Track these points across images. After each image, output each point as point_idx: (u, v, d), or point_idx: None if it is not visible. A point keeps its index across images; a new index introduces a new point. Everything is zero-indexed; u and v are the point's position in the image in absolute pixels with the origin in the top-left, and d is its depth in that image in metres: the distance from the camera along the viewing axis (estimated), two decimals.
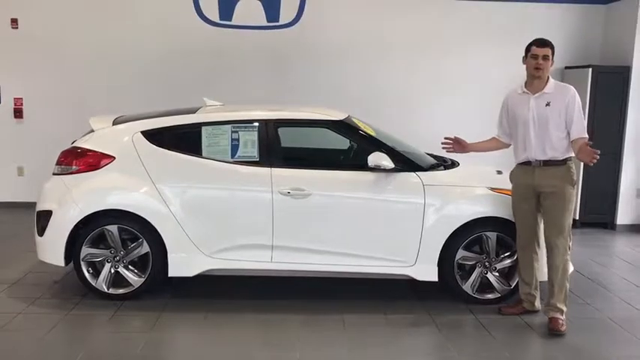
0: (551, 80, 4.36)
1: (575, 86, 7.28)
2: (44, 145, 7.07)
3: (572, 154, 4.33)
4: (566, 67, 7.74)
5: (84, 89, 7.57)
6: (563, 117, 4.25)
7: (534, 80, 4.33)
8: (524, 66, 4.39)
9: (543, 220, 4.40)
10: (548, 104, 4.27)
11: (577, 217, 7.45)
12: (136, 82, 7.59)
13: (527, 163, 4.39)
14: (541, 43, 4.32)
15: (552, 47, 4.33)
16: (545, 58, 4.26)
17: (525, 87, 4.40)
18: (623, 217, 7.47)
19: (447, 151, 4.80)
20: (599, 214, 7.52)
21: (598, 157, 4.08)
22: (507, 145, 4.63)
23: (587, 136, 4.26)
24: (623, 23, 7.42)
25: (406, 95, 7.81)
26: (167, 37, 7.58)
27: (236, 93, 7.35)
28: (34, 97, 7.61)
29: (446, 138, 4.75)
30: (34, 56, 7.53)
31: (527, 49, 4.36)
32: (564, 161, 4.30)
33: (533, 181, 4.34)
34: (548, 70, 4.30)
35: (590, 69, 7.25)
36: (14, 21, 7.46)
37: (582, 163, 7.28)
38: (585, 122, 4.33)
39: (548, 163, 4.30)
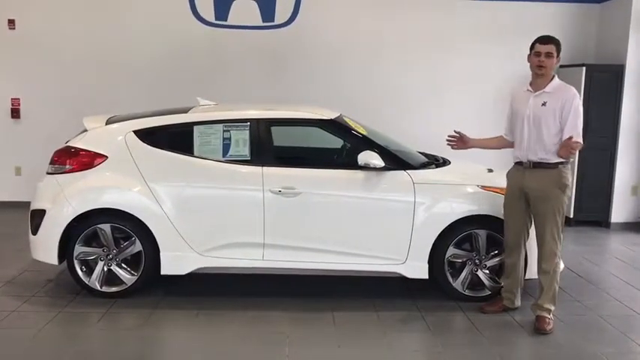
0: (556, 80, 4.27)
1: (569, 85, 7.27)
2: (41, 145, 7.09)
3: (567, 159, 4.26)
4: (561, 66, 7.71)
5: (81, 89, 7.60)
6: (557, 118, 4.17)
7: (537, 78, 4.28)
8: (529, 63, 4.32)
9: (534, 223, 4.39)
10: (544, 104, 4.22)
11: (571, 216, 7.48)
12: (132, 82, 7.63)
13: (520, 164, 4.37)
14: (545, 40, 4.25)
15: (557, 44, 4.23)
16: (548, 55, 4.19)
17: (530, 85, 4.35)
18: (617, 215, 7.49)
19: (452, 148, 4.74)
20: (593, 212, 7.54)
21: (574, 151, 4.09)
22: (512, 144, 4.55)
23: (579, 140, 4.13)
24: (616, 22, 7.44)
25: (403, 94, 7.83)
26: (163, 38, 7.62)
27: (232, 93, 7.39)
28: (31, 98, 7.65)
29: (450, 136, 4.71)
30: (31, 57, 7.57)
31: (532, 47, 4.29)
32: (556, 165, 4.22)
33: (523, 183, 4.32)
34: (551, 67, 4.22)
35: (584, 67, 7.26)
36: (11, 22, 7.50)
37: (576, 165, 7.35)
38: (579, 126, 4.15)
39: (538, 166, 4.25)
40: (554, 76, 4.29)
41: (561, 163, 4.24)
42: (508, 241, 4.50)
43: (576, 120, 4.16)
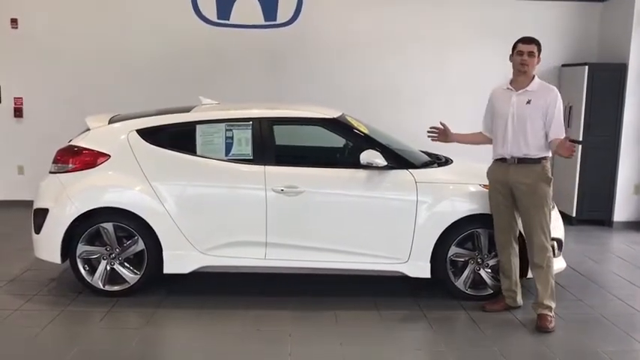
0: (536, 79, 4.40)
1: (571, 84, 7.33)
2: (44, 144, 7.07)
3: (548, 154, 4.38)
4: (563, 65, 7.76)
5: (83, 88, 7.62)
6: (542, 116, 4.30)
7: (519, 77, 4.40)
8: (511, 63, 4.44)
9: (521, 218, 4.45)
10: (528, 102, 4.33)
11: (573, 214, 7.47)
12: (134, 81, 7.64)
13: (502, 160, 4.45)
14: (527, 40, 4.40)
15: (538, 44, 4.38)
16: (530, 54, 4.33)
17: (510, 84, 4.46)
18: (619, 214, 7.47)
19: (432, 140, 4.81)
20: (595, 211, 7.52)
21: (574, 152, 4.17)
22: (490, 141, 4.65)
23: (565, 136, 4.30)
24: (619, 20, 7.43)
25: (403, 93, 7.83)
26: (165, 37, 7.63)
27: (234, 92, 7.41)
28: (34, 97, 7.66)
29: (431, 127, 4.79)
30: (34, 56, 7.59)
31: (514, 47, 4.44)
32: (539, 160, 4.34)
33: (508, 179, 4.39)
34: (533, 67, 4.36)
35: (587, 66, 7.25)
36: (14, 21, 7.51)
37: (578, 164, 7.34)
38: (563, 124, 4.34)
39: (522, 161, 4.34)
40: (534, 76, 4.40)
41: (544, 157, 4.36)
42: (499, 239, 4.54)
43: (561, 119, 4.32)
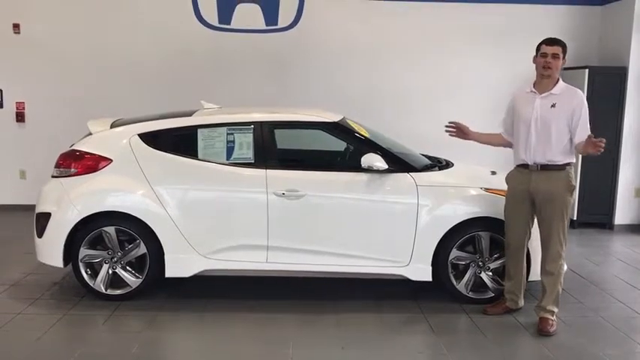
0: (561, 82, 4.29)
1: None
2: (46, 148, 7.13)
3: (573, 160, 4.28)
4: (563, 68, 7.74)
5: (85, 93, 7.64)
6: (568, 120, 4.19)
7: (543, 80, 4.27)
8: (534, 65, 4.33)
9: (539, 225, 4.38)
10: (553, 105, 4.22)
11: (575, 218, 7.48)
12: (136, 85, 7.66)
13: (525, 166, 4.34)
14: (551, 41, 4.27)
15: (563, 46, 4.25)
16: (554, 56, 4.20)
17: (533, 86, 4.34)
18: (621, 217, 7.48)
19: (450, 135, 4.72)
20: (597, 214, 7.53)
21: (604, 145, 4.03)
22: (510, 144, 4.55)
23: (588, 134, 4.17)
24: (619, 24, 7.45)
25: (404, 97, 7.85)
26: (167, 41, 7.66)
27: (235, 96, 7.42)
28: (35, 101, 7.69)
29: (450, 122, 4.70)
30: (36, 61, 7.62)
31: (538, 48, 4.31)
32: (563, 166, 4.24)
33: (529, 186, 4.29)
34: (557, 69, 4.24)
35: (587, 70, 7.27)
36: (16, 26, 7.54)
37: (579, 167, 7.35)
38: (588, 127, 4.22)
39: (546, 168, 4.24)
40: (559, 79, 4.30)
41: (568, 164, 4.25)
42: (511, 244, 4.50)
43: (587, 123, 4.23)
